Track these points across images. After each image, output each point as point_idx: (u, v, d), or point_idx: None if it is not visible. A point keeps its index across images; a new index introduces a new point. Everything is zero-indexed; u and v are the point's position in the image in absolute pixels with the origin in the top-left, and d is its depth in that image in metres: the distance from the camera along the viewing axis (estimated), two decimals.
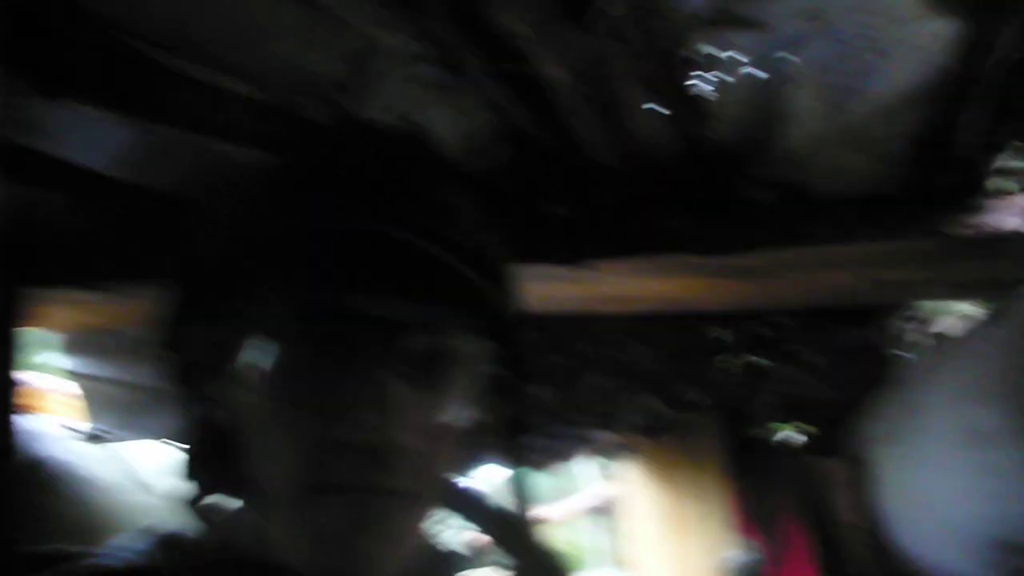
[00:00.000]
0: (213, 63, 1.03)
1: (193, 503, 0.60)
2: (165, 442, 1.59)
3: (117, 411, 1.60)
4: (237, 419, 0.58)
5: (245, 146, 1.09)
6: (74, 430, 1.57)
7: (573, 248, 1.37)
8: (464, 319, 0.58)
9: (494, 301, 0.60)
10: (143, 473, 1.57)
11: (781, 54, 1.21)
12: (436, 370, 0.58)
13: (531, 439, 1.55)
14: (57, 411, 1.69)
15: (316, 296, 0.55)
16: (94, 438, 1.57)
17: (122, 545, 0.61)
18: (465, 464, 0.67)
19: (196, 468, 0.61)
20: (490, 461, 0.71)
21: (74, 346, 1.59)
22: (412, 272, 0.56)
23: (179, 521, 0.60)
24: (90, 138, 1.08)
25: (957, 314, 1.59)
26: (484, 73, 1.14)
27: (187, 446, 0.61)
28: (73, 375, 1.60)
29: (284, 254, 0.56)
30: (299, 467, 0.54)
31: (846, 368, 1.60)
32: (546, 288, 1.37)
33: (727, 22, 1.12)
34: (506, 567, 0.77)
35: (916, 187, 1.37)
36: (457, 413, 0.59)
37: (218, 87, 1.06)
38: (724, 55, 1.22)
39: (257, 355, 0.56)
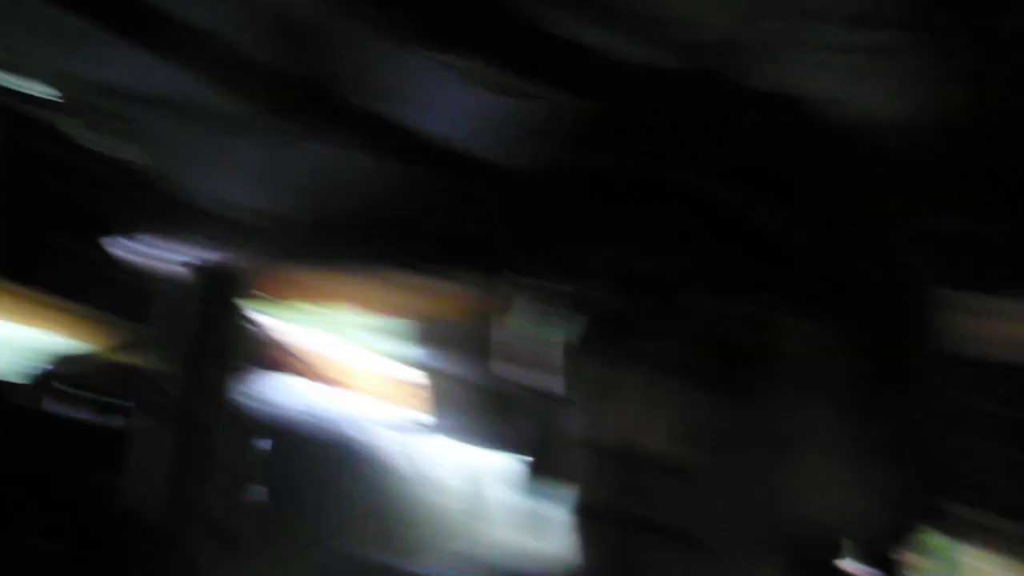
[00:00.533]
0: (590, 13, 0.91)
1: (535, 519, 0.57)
2: (506, 452, 1.49)
3: (460, 410, 1.53)
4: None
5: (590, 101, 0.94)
6: (416, 424, 1.53)
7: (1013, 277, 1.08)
8: (822, 318, 0.48)
9: (880, 309, 0.50)
10: (480, 482, 1.47)
11: None
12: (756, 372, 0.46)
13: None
14: (401, 401, 1.67)
15: (629, 265, 0.48)
16: (433, 435, 1.51)
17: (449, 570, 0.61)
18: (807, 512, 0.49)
19: (538, 477, 0.56)
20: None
21: (423, 335, 1.56)
22: (757, 251, 0.47)
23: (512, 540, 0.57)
24: (448, 102, 1.03)
25: None
26: (948, 31, 0.92)
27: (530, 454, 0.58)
28: (420, 366, 1.56)
29: (607, 218, 0.51)
30: (579, 482, 0.48)
31: None
32: (977, 322, 1.09)
33: None
34: None
35: None
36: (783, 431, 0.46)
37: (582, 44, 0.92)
38: None
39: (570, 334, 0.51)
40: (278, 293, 1.52)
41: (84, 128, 1.23)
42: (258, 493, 1.24)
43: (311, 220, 1.33)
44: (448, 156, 1.14)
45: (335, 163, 1.22)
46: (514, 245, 0.65)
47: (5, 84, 1.17)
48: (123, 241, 1.40)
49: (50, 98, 1.20)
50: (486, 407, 1.51)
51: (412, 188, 1.24)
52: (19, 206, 1.22)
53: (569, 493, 0.51)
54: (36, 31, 1.09)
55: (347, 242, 1.30)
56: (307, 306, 1.53)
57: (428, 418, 1.55)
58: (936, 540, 1.38)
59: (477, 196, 1.21)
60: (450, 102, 1.03)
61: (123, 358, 1.19)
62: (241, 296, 1.49)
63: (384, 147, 1.12)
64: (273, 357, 1.53)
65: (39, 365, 1.10)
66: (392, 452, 1.42)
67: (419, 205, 1.26)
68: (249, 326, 1.49)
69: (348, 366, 1.68)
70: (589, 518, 0.48)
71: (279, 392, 1.41)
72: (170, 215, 1.31)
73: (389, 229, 1.29)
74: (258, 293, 1.53)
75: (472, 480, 1.46)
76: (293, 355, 1.57)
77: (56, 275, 1.27)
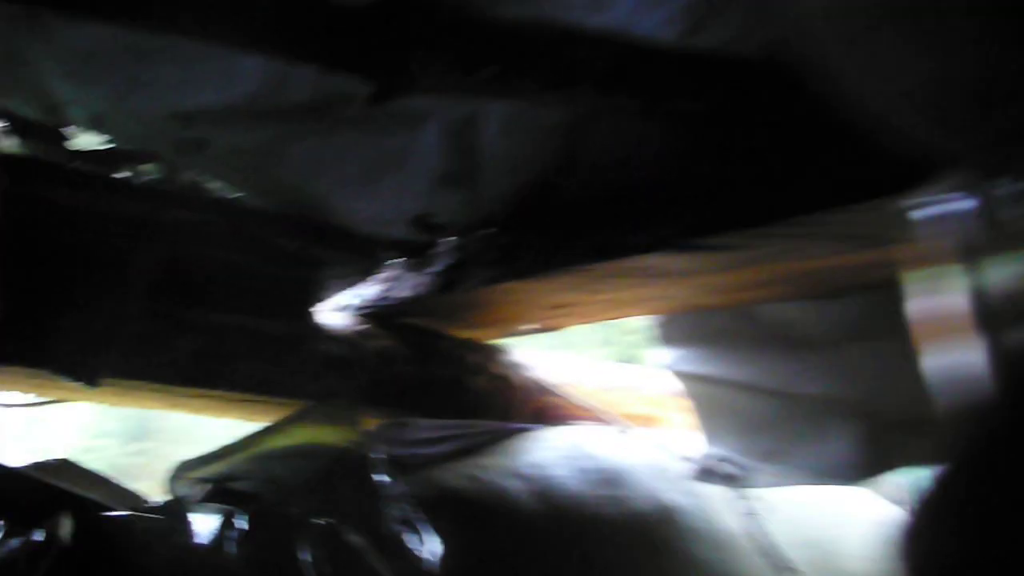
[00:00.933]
0: None
1: None
2: (829, 486, 1.02)
3: (742, 431, 1.08)
4: None
5: None
6: (689, 459, 1.10)
7: None
8: None
9: None
10: (796, 539, 1.01)
11: None
12: None
13: None
14: (665, 424, 1.26)
15: None
16: (711, 473, 1.07)
17: None
18: None
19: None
20: None
21: (673, 333, 1.14)
22: None
23: None
24: None
25: None
26: None
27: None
28: (676, 373, 1.13)
29: None
30: None
31: None
32: None
33: None
34: None
35: None
36: None
37: None
38: None
39: None
40: (505, 323, 1.19)
41: (223, 178, 0.99)
42: None
43: (520, 218, 0.99)
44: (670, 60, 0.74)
45: (522, 125, 0.87)
46: None
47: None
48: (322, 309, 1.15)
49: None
50: (777, 424, 1.05)
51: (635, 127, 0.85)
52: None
53: None
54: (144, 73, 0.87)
55: (580, 232, 0.94)
56: (539, 331, 1.18)
57: (702, 444, 1.11)
58: None
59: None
60: None
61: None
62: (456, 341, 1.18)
63: (562, 72, 0.74)
64: (527, 404, 1.20)
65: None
66: (684, 504, 1.01)
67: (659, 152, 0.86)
68: (484, 374, 1.18)
69: (613, 394, 1.30)
70: None
71: (549, 449, 1.06)
72: (349, 254, 1.03)
73: (624, 199, 0.91)
74: (480, 329, 1.21)
75: (783, 538, 1.00)
76: (549, 395, 1.22)
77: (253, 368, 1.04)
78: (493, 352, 1.17)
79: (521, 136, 0.91)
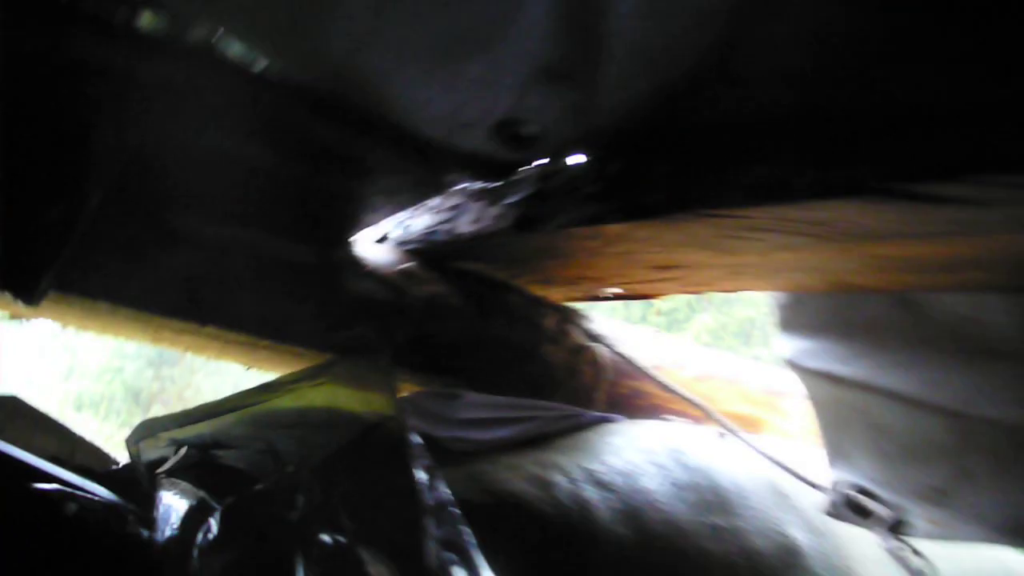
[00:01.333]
0: None
1: None
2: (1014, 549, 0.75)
3: (893, 457, 0.82)
4: None
5: None
6: (818, 486, 0.83)
7: None
8: None
9: None
10: None
11: None
12: None
13: None
14: (770, 429, 1.00)
15: None
16: (851, 509, 0.81)
17: None
18: None
19: None
20: None
21: (801, 318, 0.87)
22: None
23: None
24: None
25: None
26: None
27: None
28: (798, 370, 0.87)
29: None
30: None
31: None
32: None
33: None
34: None
35: None
36: None
37: None
38: None
39: None
40: (591, 282, 0.93)
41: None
42: None
43: (645, 137, 0.72)
44: None
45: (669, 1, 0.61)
46: None
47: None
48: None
49: None
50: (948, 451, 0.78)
51: None
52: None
53: None
54: None
55: (729, 163, 0.68)
56: (626, 298, 0.92)
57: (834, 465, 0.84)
58: None
59: None
60: None
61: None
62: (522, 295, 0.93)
63: None
64: (611, 388, 0.95)
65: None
66: (815, 545, 0.75)
67: None
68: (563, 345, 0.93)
69: (705, 385, 1.04)
70: None
71: (638, 451, 0.81)
72: (403, 163, 0.77)
73: (802, 122, 0.64)
74: (555, 287, 0.95)
75: None
76: (639, 380, 0.96)
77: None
78: (575, 317, 0.92)
79: (666, 18, 0.63)
